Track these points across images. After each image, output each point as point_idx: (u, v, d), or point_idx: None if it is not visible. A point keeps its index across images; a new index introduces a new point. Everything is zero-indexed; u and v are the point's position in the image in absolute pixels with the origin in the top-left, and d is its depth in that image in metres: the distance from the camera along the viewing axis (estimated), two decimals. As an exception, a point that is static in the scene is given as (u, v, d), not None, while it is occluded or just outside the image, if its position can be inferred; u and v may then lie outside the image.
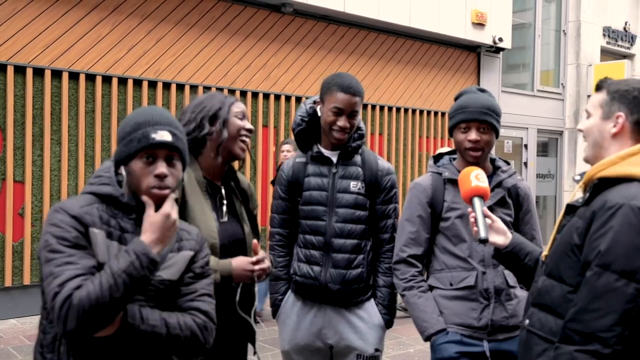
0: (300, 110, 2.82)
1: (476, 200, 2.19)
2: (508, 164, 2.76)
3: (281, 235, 2.83)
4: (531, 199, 2.70)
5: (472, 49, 9.97)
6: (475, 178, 2.23)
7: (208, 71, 7.22)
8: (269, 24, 7.71)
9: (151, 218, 1.67)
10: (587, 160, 1.92)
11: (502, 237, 2.19)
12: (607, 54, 12.42)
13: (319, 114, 2.74)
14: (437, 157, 2.82)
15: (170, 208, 1.69)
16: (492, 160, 2.72)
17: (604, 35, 12.24)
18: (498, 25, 9.81)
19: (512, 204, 2.64)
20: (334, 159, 2.75)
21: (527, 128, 11.12)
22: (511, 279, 2.56)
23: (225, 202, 2.35)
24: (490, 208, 2.47)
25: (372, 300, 2.77)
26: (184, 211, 2.18)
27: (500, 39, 9.78)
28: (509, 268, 2.23)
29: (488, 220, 2.18)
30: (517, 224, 2.66)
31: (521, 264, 2.16)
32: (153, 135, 1.72)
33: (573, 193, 1.96)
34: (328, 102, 2.67)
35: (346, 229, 2.69)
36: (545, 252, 1.96)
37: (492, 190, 2.53)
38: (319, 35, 8.18)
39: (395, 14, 8.53)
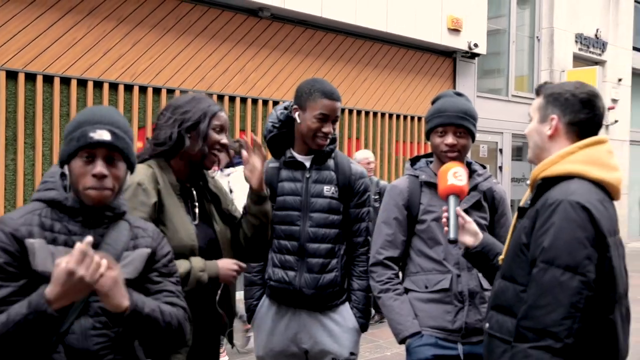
0: (270, 117, 2.81)
1: (451, 199, 2.21)
2: (484, 167, 2.78)
3: None
4: (506, 202, 2.74)
5: (448, 55, 10.05)
6: (453, 176, 2.25)
7: (185, 75, 7.17)
8: (246, 28, 7.70)
9: (57, 269, 1.52)
10: (530, 161, 1.99)
11: (473, 238, 2.23)
12: (579, 60, 12.61)
13: (298, 120, 2.70)
14: (414, 160, 2.84)
15: (75, 264, 1.50)
16: (468, 164, 2.74)
17: (576, 42, 12.43)
18: (473, 31, 9.91)
19: (487, 207, 2.67)
20: (307, 164, 2.75)
21: (502, 133, 11.24)
22: (486, 282, 2.58)
23: (197, 204, 2.35)
24: (466, 211, 2.49)
25: (347, 303, 2.78)
26: (161, 214, 2.18)
27: (476, 45, 9.87)
28: (478, 268, 2.27)
29: (460, 220, 2.21)
30: (493, 227, 2.68)
31: (490, 264, 2.20)
32: (91, 134, 1.70)
33: (524, 196, 2.01)
34: (311, 108, 2.65)
35: (320, 233, 2.69)
36: (502, 256, 2.01)
37: (468, 193, 2.55)
38: (296, 40, 8.18)
39: (372, 19, 8.57)
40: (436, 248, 2.61)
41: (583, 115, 1.89)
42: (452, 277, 2.57)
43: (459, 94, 2.69)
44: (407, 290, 2.65)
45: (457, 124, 2.58)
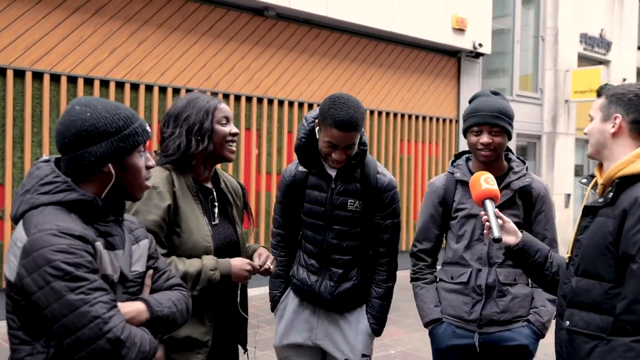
0: (301, 128, 2.71)
1: (487, 202, 2.27)
2: (524, 163, 2.82)
3: (281, 236, 2.89)
4: (546, 198, 2.76)
5: (453, 54, 10.02)
6: (485, 181, 2.30)
7: (190, 74, 7.17)
8: (252, 28, 7.69)
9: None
10: (590, 156, 2.08)
11: (513, 236, 2.29)
12: (583, 60, 12.57)
13: (317, 136, 2.62)
14: (457, 157, 2.91)
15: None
16: (508, 160, 2.79)
17: (580, 41, 12.39)
18: (478, 30, 9.88)
19: (522, 204, 2.71)
20: (333, 174, 2.71)
21: (506, 132, 11.20)
22: (505, 277, 2.69)
23: (217, 204, 2.34)
24: (498, 208, 2.54)
25: (364, 307, 2.80)
26: (177, 217, 2.18)
27: (480, 45, 9.85)
28: (520, 265, 2.33)
29: (499, 221, 2.26)
30: (529, 224, 2.74)
31: (530, 260, 2.26)
32: (147, 128, 1.71)
33: (586, 195, 2.09)
34: (323, 132, 2.54)
35: (342, 245, 2.70)
36: (568, 254, 2.07)
37: (500, 191, 2.60)
38: (301, 39, 8.17)
39: (377, 19, 8.56)
40: (462, 242, 2.73)
41: None
42: (472, 271, 2.70)
43: (496, 93, 2.74)
44: (439, 280, 2.85)
45: (492, 123, 2.63)
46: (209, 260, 2.18)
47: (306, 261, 2.78)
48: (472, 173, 2.72)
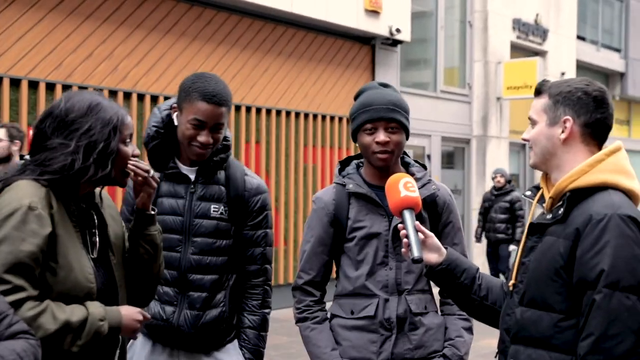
0: (153, 118, 2.75)
1: (407, 214, 2.27)
2: (425, 168, 2.88)
3: None
4: (452, 207, 2.84)
5: (365, 41, 10.20)
6: (404, 187, 2.31)
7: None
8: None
9: None
10: (535, 166, 2.14)
11: (436, 254, 2.31)
12: (517, 50, 13.15)
13: (176, 123, 2.70)
14: (344, 163, 2.91)
15: None
16: (407, 165, 2.83)
17: (513, 28, 12.97)
18: (395, 13, 10.11)
19: (427, 216, 2.75)
20: (192, 177, 2.75)
21: (430, 135, 11.51)
22: (416, 305, 2.72)
23: (96, 232, 2.26)
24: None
25: (235, 341, 2.81)
26: (54, 248, 2.06)
27: (398, 30, 10.07)
28: (443, 287, 2.36)
29: (421, 236, 2.27)
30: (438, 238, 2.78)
31: (456, 282, 2.28)
32: None
33: (531, 211, 2.16)
34: (187, 111, 2.63)
35: (204, 261, 2.72)
36: (512, 281, 2.12)
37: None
38: (179, 20, 8.06)
39: (273, -3, 8.59)
40: (363, 269, 2.72)
41: (598, 115, 2.03)
42: (378, 301, 2.69)
43: (385, 85, 2.78)
44: (333, 316, 2.80)
45: (388, 118, 2.65)
46: (96, 308, 2.09)
47: (158, 291, 2.70)
48: (367, 183, 2.75)
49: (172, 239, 2.71)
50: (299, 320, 2.81)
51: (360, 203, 2.73)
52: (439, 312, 2.82)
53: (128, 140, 2.27)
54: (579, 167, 1.97)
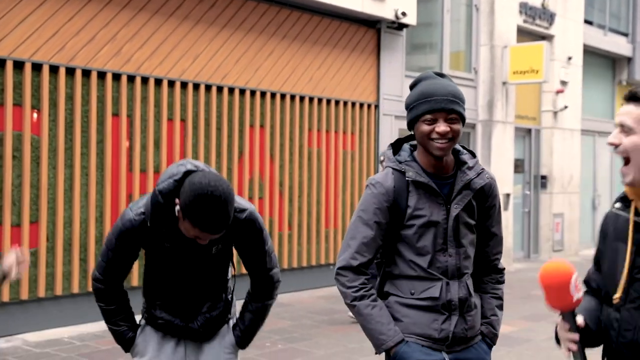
0: (154, 199, 2.82)
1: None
2: (474, 156, 2.92)
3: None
4: (496, 191, 2.93)
5: (371, 25, 10.15)
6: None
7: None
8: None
9: None
10: (633, 184, 2.04)
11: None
12: (523, 34, 13.06)
13: (176, 213, 2.73)
14: (394, 146, 2.94)
15: None
16: (457, 152, 2.88)
17: (520, 12, 12.87)
18: (401, -4, 10.06)
19: (475, 202, 2.86)
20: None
21: (435, 120, 11.45)
22: (471, 288, 2.87)
23: None
24: (457, 215, 2.78)
25: (231, 322, 3.16)
26: None
27: (404, 14, 10.02)
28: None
29: (576, 336, 2.26)
30: (479, 219, 2.89)
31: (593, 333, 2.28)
32: None
33: (631, 225, 2.07)
34: (185, 226, 2.71)
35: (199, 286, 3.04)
36: (618, 294, 2.11)
37: (459, 192, 2.79)
38: (183, 2, 8.03)
39: (278, -20, 8.54)
40: (424, 255, 2.81)
41: None
42: (441, 285, 2.80)
43: (442, 75, 2.84)
44: (387, 295, 2.88)
45: (449, 109, 2.71)
46: None
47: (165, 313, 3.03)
48: (424, 170, 2.80)
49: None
50: (355, 299, 2.83)
51: (420, 192, 2.79)
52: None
53: None
54: None
